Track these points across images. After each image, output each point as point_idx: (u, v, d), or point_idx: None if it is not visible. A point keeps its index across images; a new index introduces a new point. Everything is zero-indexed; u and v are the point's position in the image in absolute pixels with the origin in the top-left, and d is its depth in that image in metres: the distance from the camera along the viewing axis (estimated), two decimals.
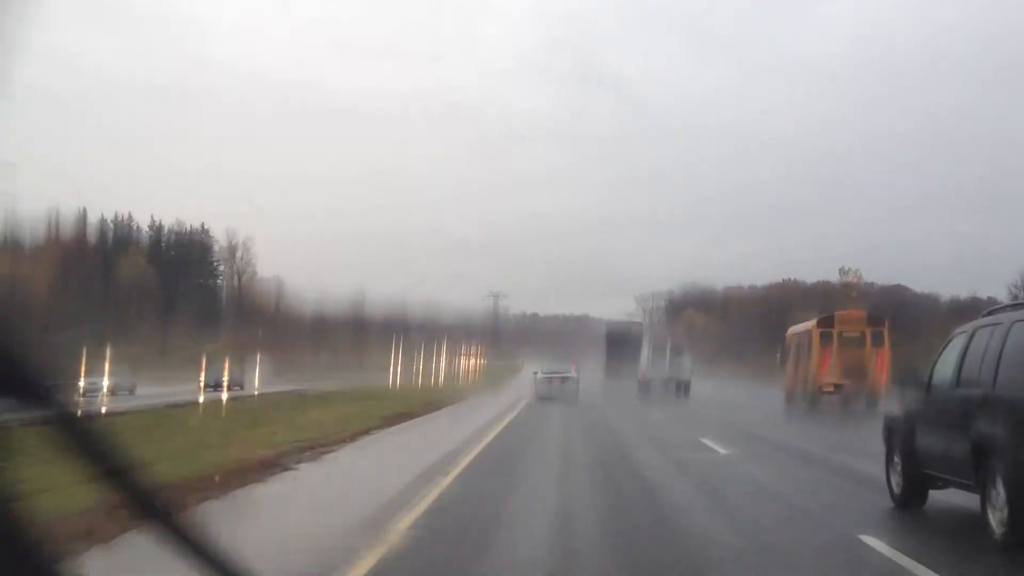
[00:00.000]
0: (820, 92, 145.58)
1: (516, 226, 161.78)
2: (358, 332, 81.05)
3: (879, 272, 71.87)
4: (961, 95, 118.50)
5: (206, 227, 79.09)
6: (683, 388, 35.67)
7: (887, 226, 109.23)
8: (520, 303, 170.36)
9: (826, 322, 27.36)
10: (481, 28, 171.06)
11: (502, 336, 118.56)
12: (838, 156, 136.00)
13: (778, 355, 33.62)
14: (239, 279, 77.75)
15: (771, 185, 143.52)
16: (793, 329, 30.76)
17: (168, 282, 70.78)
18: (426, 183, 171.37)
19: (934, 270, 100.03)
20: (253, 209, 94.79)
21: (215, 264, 80.00)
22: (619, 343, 55.70)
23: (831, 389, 26.58)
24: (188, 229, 77.87)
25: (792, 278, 66.23)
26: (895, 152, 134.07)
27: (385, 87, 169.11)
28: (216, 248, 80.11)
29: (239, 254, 78.53)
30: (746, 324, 63.60)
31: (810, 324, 28.16)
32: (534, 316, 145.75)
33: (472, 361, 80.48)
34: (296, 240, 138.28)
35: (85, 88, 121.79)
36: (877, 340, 26.84)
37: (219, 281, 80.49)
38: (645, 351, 38.83)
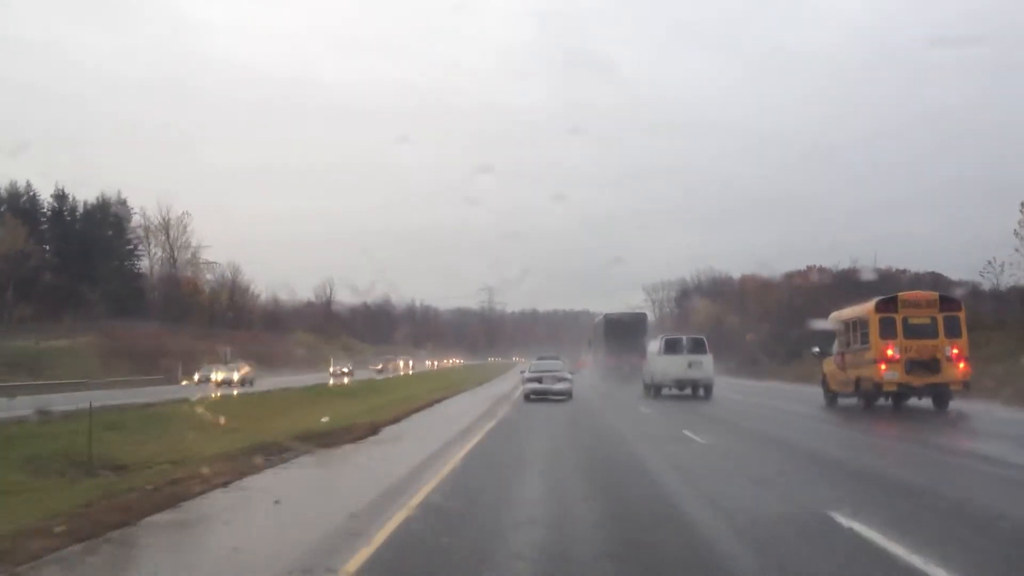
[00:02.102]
0: (827, 86, 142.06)
1: (520, 223, 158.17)
2: (316, 326, 74.07)
3: (910, 260, 66.55)
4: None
5: (123, 197, 66.50)
6: (704, 391, 29.86)
7: (910, 215, 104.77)
8: (519, 300, 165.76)
9: (888, 305, 21.81)
10: (487, 26, 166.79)
11: (497, 333, 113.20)
12: (847, 149, 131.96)
13: (814, 348, 27.90)
14: (174, 261, 67.68)
15: (780, 178, 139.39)
16: (839, 315, 25.11)
17: (70, 262, 59.29)
18: (428, 181, 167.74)
19: (969, 259, 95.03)
20: None
21: (132, 241, 67.58)
22: (620, 336, 49.75)
23: (893, 388, 21.15)
24: (102, 200, 64.91)
25: (817, 264, 60.72)
26: (915, 141, 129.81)
27: (383, 85, 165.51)
28: (151, 225, 68.25)
29: (173, 233, 68.18)
30: (767, 314, 57.87)
31: (865, 308, 22.59)
32: (533, 312, 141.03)
33: (444, 363, 71.42)
34: (284, 236, 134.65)
35: (77, 83, 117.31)
36: (952, 328, 21.39)
37: (137, 262, 68.50)
38: (655, 346, 32.40)
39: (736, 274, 79.59)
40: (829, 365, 25.35)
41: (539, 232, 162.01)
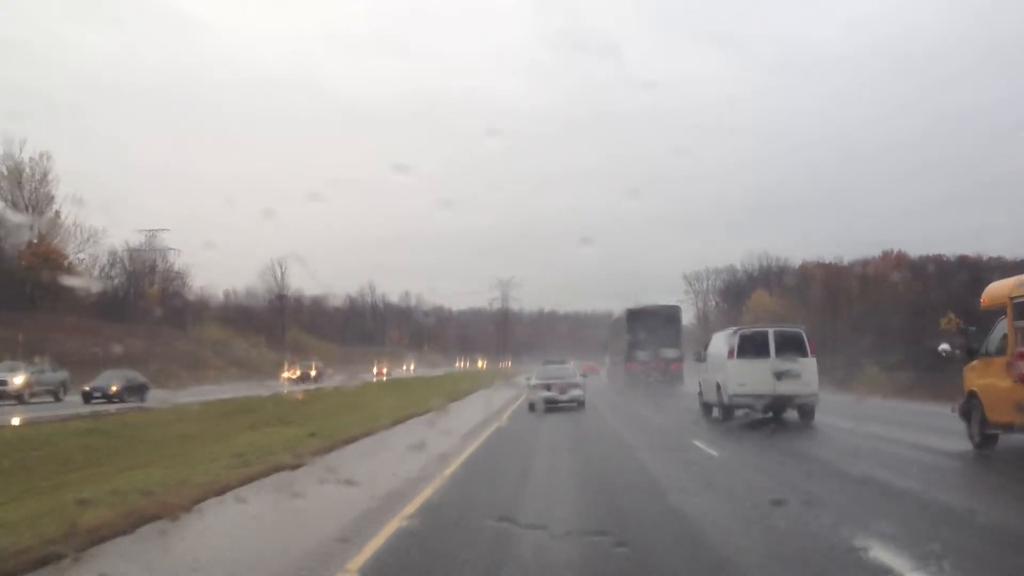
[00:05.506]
0: (847, 88, 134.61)
1: (531, 224, 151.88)
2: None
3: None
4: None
5: None
6: (803, 414, 20.14)
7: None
8: (536, 299, 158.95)
9: None
10: (495, 26, 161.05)
11: (510, 334, 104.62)
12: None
13: (942, 346, 17.91)
14: (31, 225, 50.56)
15: (799, 178, 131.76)
16: (1015, 288, 15.12)
17: None
18: (435, 180, 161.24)
19: None
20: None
21: None
22: (646, 335, 40.36)
23: None
24: None
25: (893, 249, 50.94)
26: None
27: (389, 85, 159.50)
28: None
29: (30, 178, 50.00)
30: (838, 308, 47.89)
31: None
32: (551, 313, 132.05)
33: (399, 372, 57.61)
34: (285, 239, 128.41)
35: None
36: None
37: None
38: (722, 345, 21.34)
39: (796, 261, 69.69)
40: (983, 375, 15.27)
41: (552, 233, 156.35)
